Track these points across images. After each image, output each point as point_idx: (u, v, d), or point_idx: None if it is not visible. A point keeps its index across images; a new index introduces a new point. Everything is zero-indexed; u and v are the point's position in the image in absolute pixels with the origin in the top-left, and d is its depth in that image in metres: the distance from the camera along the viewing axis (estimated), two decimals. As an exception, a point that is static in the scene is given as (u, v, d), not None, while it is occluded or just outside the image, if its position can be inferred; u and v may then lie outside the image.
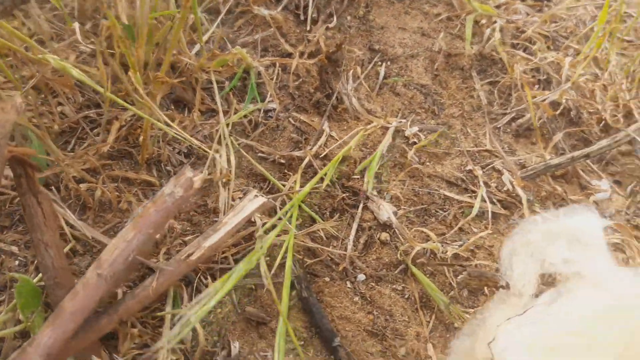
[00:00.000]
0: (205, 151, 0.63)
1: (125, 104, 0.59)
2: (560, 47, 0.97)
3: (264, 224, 0.64)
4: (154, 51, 0.68)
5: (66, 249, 0.60)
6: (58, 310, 0.48)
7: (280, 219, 0.64)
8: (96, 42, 0.64)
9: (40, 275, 0.56)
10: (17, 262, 0.60)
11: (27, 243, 0.61)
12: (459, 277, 0.64)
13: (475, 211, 0.71)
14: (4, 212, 0.63)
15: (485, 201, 0.73)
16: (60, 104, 0.69)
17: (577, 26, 1.02)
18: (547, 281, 0.53)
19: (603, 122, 0.88)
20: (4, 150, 0.48)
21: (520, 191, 0.73)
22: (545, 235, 0.54)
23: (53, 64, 0.53)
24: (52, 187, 0.65)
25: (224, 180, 0.59)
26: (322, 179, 0.72)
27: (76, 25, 0.71)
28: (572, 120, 0.88)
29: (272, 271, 0.61)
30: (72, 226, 0.61)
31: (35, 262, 0.59)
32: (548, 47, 0.97)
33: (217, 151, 0.64)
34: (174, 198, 0.53)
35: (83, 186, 0.63)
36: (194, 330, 0.57)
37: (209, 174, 0.61)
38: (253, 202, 0.63)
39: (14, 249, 0.61)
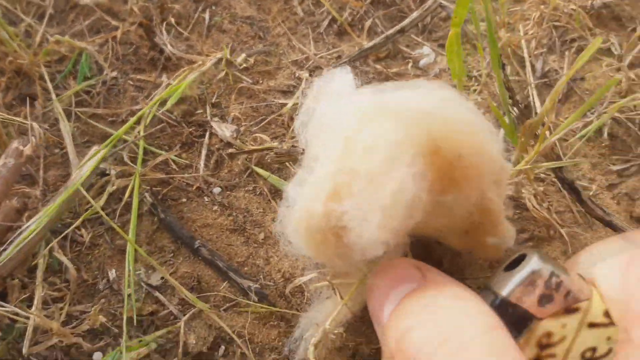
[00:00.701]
0: (24, 123, 0.74)
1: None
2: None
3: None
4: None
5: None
6: None
7: (125, 160, 0.75)
8: None
9: None
10: None
11: None
12: (267, 157, 0.74)
13: (289, 106, 0.81)
14: None
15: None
16: None
17: None
18: (320, 136, 0.63)
19: (418, -2, 0.98)
20: None
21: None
22: (315, 98, 0.64)
23: None
24: None
25: (43, 143, 0.70)
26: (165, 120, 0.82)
27: None
28: (388, 4, 0.97)
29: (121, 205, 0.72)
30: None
31: None
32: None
33: (52, 125, 0.75)
34: (8, 167, 0.64)
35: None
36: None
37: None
38: (94, 155, 0.74)
39: None
